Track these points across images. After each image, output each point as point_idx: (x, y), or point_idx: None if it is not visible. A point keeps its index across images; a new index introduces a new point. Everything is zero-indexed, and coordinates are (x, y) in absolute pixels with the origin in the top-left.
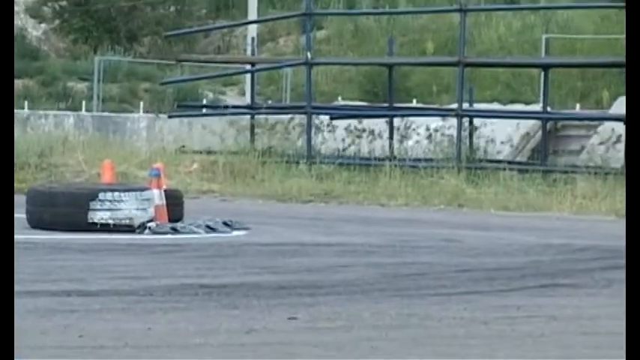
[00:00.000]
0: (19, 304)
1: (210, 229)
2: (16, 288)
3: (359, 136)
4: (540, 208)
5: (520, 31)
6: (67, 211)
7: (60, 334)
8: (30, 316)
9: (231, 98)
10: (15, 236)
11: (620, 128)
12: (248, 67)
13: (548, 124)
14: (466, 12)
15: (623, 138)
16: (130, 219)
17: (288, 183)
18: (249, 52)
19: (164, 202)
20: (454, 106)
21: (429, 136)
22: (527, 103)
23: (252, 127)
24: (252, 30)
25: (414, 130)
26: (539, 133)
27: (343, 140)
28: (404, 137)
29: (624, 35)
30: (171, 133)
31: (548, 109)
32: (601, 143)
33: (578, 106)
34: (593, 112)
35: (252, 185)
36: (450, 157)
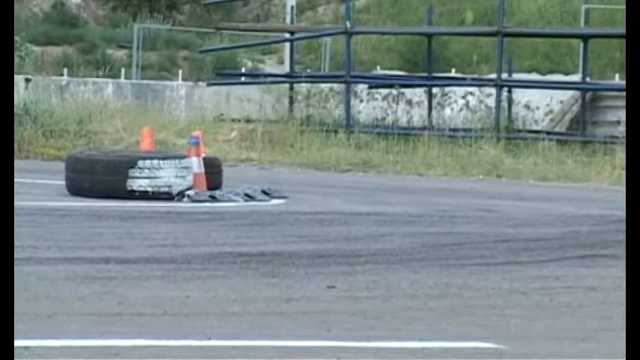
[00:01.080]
0: (57, 271)
1: (248, 197)
2: (54, 255)
3: (398, 105)
4: (579, 179)
5: (560, 1)
6: (106, 179)
7: (98, 301)
8: (68, 283)
9: (269, 67)
10: (54, 203)
11: None
12: (287, 35)
13: (588, 95)
14: None
15: None
16: (169, 187)
17: (327, 152)
18: (288, 20)
19: (203, 170)
20: (493, 76)
21: (468, 106)
22: (566, 73)
23: (291, 96)
24: None
25: (452, 99)
26: (578, 103)
27: (382, 109)
28: (442, 107)
29: None
30: (210, 102)
31: (587, 79)
32: None
33: (617, 76)
34: None
35: (291, 154)
36: (488, 127)
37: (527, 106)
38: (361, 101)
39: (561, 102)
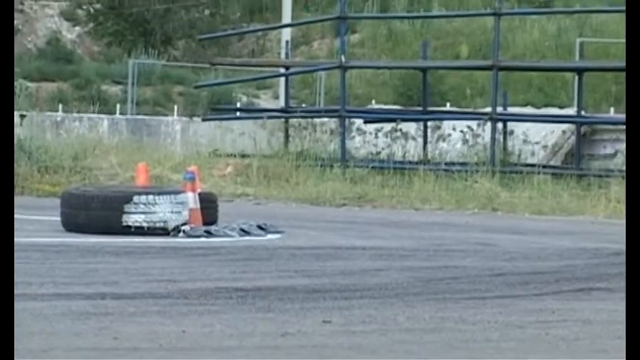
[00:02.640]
0: (53, 307)
1: (244, 232)
2: (50, 291)
3: (393, 140)
4: (574, 212)
5: (554, 35)
6: (102, 214)
7: (94, 337)
8: (64, 319)
9: (264, 102)
10: (49, 239)
11: None
12: (282, 70)
13: (583, 128)
14: (500, 16)
15: None
16: (164, 222)
17: (322, 186)
18: (283, 55)
19: (198, 205)
20: (488, 109)
21: (464, 140)
22: (561, 107)
23: (287, 131)
24: (286, 33)
25: (447, 133)
26: (573, 137)
27: (377, 144)
28: (438, 141)
29: None
30: (205, 137)
31: (582, 113)
32: None
33: (612, 110)
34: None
35: (286, 188)
36: (483, 161)
37: (522, 140)
38: (356, 135)
39: (558, 133)
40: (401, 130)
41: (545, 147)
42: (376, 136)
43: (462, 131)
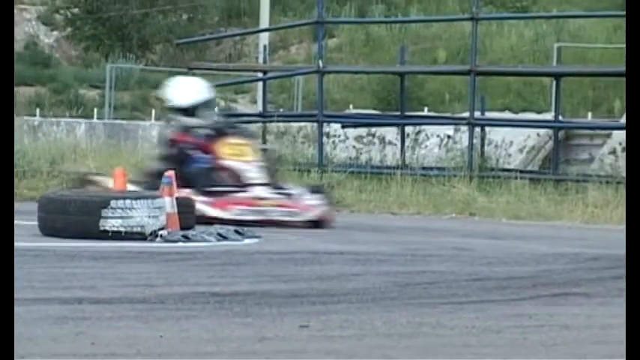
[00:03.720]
0: (30, 312)
1: (221, 237)
2: (27, 295)
3: (370, 145)
4: (551, 217)
5: (532, 40)
6: (79, 219)
7: (72, 342)
8: (41, 324)
9: (242, 106)
10: (26, 244)
11: None
12: (260, 75)
13: (560, 133)
14: (478, 20)
15: None
16: (142, 227)
17: None
18: (260, 59)
19: (176, 209)
20: (466, 114)
21: (441, 145)
22: (538, 111)
23: (264, 135)
24: (264, 38)
25: (425, 138)
26: (551, 142)
27: (354, 148)
28: (415, 146)
29: None
30: None
31: (560, 117)
32: (612, 152)
33: (589, 115)
34: (604, 121)
35: None
36: (461, 165)
37: (500, 145)
38: (333, 140)
39: (536, 138)
40: (373, 135)
41: (522, 152)
42: (355, 141)
43: (438, 136)
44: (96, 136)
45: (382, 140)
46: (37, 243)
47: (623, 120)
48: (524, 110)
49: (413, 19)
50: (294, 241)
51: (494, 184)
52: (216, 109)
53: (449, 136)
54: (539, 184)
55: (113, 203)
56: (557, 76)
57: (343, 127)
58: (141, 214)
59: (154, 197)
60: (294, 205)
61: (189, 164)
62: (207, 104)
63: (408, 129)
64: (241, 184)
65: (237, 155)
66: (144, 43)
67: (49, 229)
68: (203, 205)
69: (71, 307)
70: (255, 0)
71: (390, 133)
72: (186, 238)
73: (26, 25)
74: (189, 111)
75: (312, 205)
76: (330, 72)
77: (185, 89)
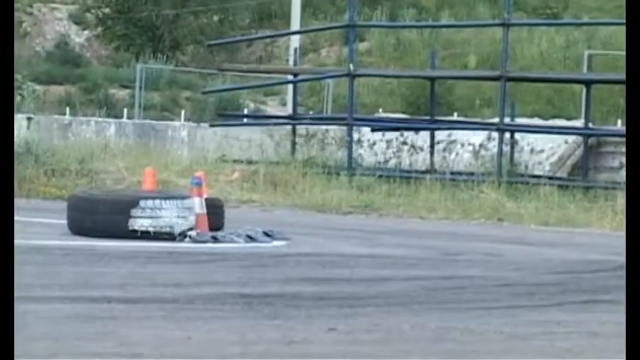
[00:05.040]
0: (58, 310)
1: (250, 238)
2: (56, 294)
3: (400, 149)
4: (581, 224)
5: (562, 47)
6: (108, 218)
7: (99, 341)
8: (69, 322)
9: (272, 108)
10: (55, 242)
11: None
12: (290, 77)
13: (590, 140)
14: (509, 26)
15: None
16: (171, 227)
17: (329, 194)
18: (291, 62)
19: (205, 210)
20: (496, 120)
21: (472, 150)
22: (568, 118)
23: (294, 138)
24: (295, 40)
25: (455, 144)
26: (581, 148)
27: (384, 153)
28: (445, 151)
29: None
30: (212, 142)
31: (590, 125)
32: None
33: (619, 122)
34: None
35: (293, 195)
36: (490, 171)
37: (529, 151)
38: (363, 144)
39: (564, 146)
40: (405, 142)
41: (551, 158)
42: (385, 146)
43: (471, 144)
44: (125, 136)
45: (412, 146)
46: (66, 242)
47: None
48: (554, 117)
49: (444, 24)
50: (323, 244)
51: (522, 190)
52: (245, 110)
53: (481, 145)
54: (569, 191)
55: (142, 203)
56: (588, 84)
57: (373, 130)
58: (170, 214)
59: (183, 197)
60: None
61: None
62: None
63: (439, 137)
64: None
65: None
66: (175, 43)
67: (78, 228)
68: None
69: (100, 307)
70: (287, 2)
71: (421, 139)
72: (215, 239)
73: (57, 24)
74: None
75: None
76: (360, 75)
77: None
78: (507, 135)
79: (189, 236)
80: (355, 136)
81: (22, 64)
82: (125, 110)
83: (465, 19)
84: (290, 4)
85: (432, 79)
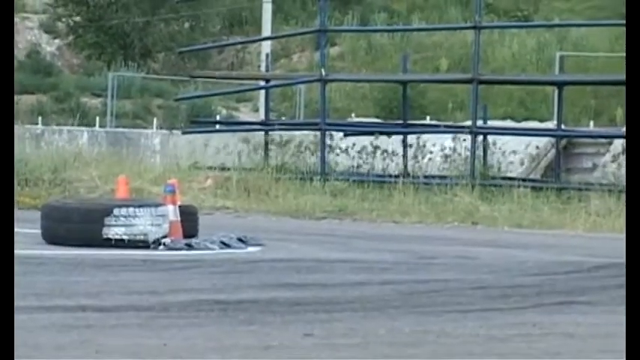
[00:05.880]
0: (34, 320)
1: (224, 245)
2: (32, 303)
3: (373, 154)
4: (554, 226)
5: (534, 49)
6: (82, 227)
7: (76, 349)
8: (45, 332)
9: (244, 114)
10: (30, 252)
11: None
12: (262, 83)
13: (562, 142)
14: (480, 29)
15: None
16: (145, 235)
17: (302, 199)
18: (263, 68)
19: (178, 218)
20: (468, 123)
21: (444, 154)
22: (541, 120)
23: (266, 144)
24: (266, 46)
25: (428, 147)
26: (553, 150)
27: (357, 157)
28: (418, 154)
29: None
30: (185, 150)
31: (562, 126)
32: (614, 161)
33: (591, 123)
34: (606, 129)
35: (266, 201)
36: (463, 174)
37: (502, 153)
38: (336, 149)
39: (537, 148)
40: (378, 146)
41: (524, 160)
42: (358, 150)
43: (442, 148)
44: (98, 144)
45: (385, 150)
46: (40, 251)
47: (624, 128)
48: (526, 119)
49: (415, 27)
50: (298, 249)
51: (496, 193)
52: (218, 117)
53: (453, 149)
54: (542, 193)
55: (116, 211)
56: (560, 85)
57: (345, 135)
58: (144, 222)
59: (156, 205)
60: None
61: None
62: None
63: (411, 140)
64: None
65: None
66: (146, 51)
67: (52, 237)
68: None
69: (75, 315)
70: (257, 8)
71: (393, 142)
72: (190, 246)
73: (28, 33)
74: None
75: None
76: (332, 80)
77: None
78: (480, 138)
79: (164, 244)
80: (328, 141)
81: None
82: (97, 119)
83: (437, 22)
84: (261, 10)
85: (404, 83)
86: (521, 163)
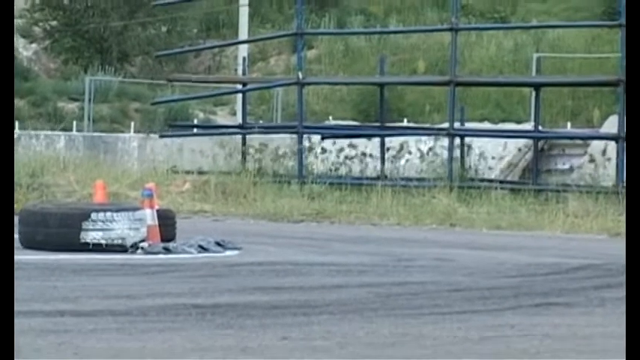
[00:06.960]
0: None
1: (202, 248)
2: None
3: (351, 156)
4: (532, 227)
5: (511, 51)
6: (60, 232)
7: (54, 353)
8: (24, 336)
9: (221, 118)
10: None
11: (611, 147)
12: (239, 86)
13: (540, 143)
14: (457, 31)
15: (614, 156)
16: (123, 239)
17: (280, 203)
18: (240, 71)
19: (156, 222)
20: (445, 125)
21: (421, 156)
22: (518, 122)
23: (244, 147)
24: (243, 50)
25: (405, 149)
26: (531, 152)
27: (335, 160)
28: (395, 157)
29: (614, 54)
30: (162, 153)
31: (540, 128)
32: (591, 162)
33: (569, 124)
34: (583, 130)
35: (244, 205)
36: (441, 176)
37: (480, 155)
38: (314, 151)
39: (516, 149)
40: (355, 148)
41: (502, 162)
42: (336, 153)
43: (419, 149)
44: (75, 149)
45: (363, 153)
46: (18, 256)
47: (602, 129)
48: (503, 121)
49: (392, 29)
50: (275, 253)
51: (474, 195)
52: (195, 121)
53: (430, 149)
54: (520, 195)
55: (94, 216)
56: (537, 87)
57: (323, 138)
58: (122, 227)
59: (134, 209)
60: None
61: None
62: None
63: (389, 143)
64: None
65: None
66: (123, 55)
67: (29, 242)
68: None
69: (53, 320)
70: (234, 12)
71: (371, 145)
72: (168, 250)
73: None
74: None
75: None
76: (309, 83)
77: None
78: (458, 140)
79: (142, 248)
80: (305, 144)
81: None
82: (74, 123)
83: (414, 24)
84: (237, 13)
85: (382, 86)
86: (499, 165)
